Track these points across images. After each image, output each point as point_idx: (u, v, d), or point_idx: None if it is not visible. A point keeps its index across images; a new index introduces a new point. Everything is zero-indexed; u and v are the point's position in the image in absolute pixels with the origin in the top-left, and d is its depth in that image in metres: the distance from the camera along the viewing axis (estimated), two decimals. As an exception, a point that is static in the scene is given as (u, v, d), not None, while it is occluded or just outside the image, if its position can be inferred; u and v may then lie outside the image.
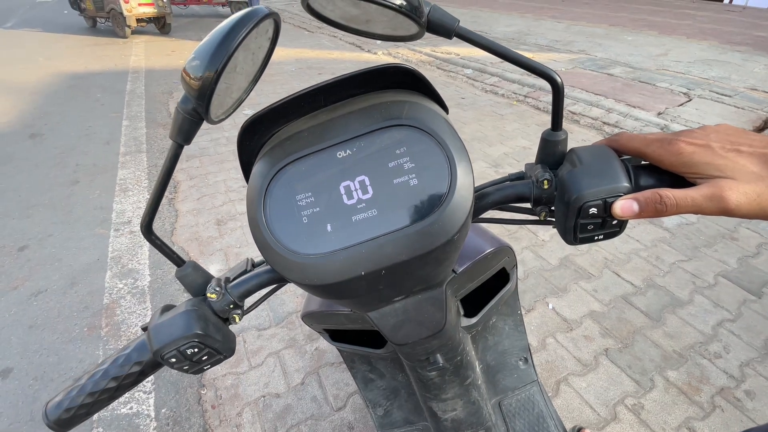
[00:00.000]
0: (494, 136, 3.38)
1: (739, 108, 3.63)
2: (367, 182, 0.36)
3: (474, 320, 0.67)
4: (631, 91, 4.04)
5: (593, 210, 0.36)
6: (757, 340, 1.60)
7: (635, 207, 0.35)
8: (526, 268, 1.99)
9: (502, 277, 0.73)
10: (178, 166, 3.02)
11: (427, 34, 0.37)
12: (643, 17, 8.24)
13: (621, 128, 3.45)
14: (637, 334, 1.64)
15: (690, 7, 9.71)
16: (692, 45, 5.93)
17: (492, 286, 0.71)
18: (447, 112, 0.42)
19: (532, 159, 0.44)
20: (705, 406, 1.38)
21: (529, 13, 8.90)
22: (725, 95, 3.90)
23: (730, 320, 1.68)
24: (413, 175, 0.36)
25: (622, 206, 0.35)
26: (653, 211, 0.35)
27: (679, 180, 0.36)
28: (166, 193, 2.68)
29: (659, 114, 3.53)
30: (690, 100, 3.84)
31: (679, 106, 3.70)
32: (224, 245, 2.21)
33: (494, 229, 2.19)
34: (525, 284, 1.89)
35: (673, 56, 5.32)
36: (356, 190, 0.36)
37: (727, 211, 0.32)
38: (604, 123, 3.53)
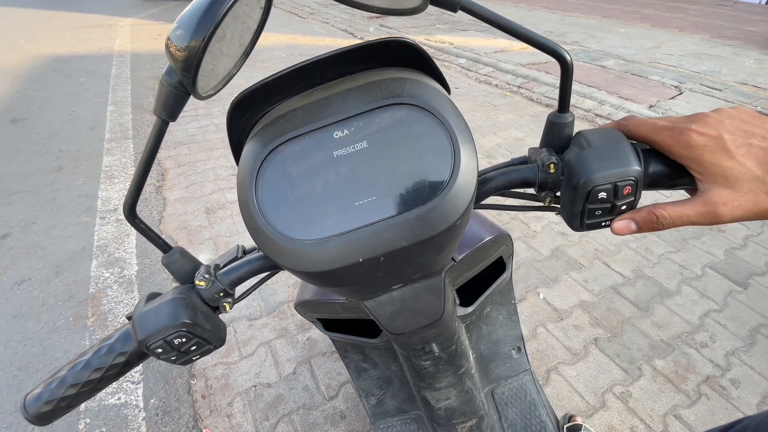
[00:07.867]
0: (487, 126, 3.37)
1: (729, 102, 3.67)
2: None
3: (469, 309, 0.66)
4: (624, 84, 4.05)
5: (602, 194, 0.35)
6: (743, 330, 1.63)
7: (632, 227, 0.37)
8: (517, 258, 2.00)
9: (495, 266, 0.72)
10: (166, 153, 2.95)
11: (423, 14, 0.35)
12: (636, 9, 8.24)
13: (613, 120, 3.46)
14: (626, 323, 1.66)
15: (682, 0, 9.74)
16: (684, 38, 5.96)
17: (486, 275, 0.70)
18: (449, 92, 0.40)
19: (525, 150, 0.42)
20: (691, 394, 1.40)
21: (523, 2, 8.83)
22: (716, 89, 3.93)
23: (716, 310, 1.71)
24: (414, 158, 0.34)
25: (620, 226, 0.37)
26: (650, 230, 0.36)
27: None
28: (154, 181, 2.62)
29: (651, 107, 3.55)
30: (681, 93, 3.87)
31: (670, 99, 3.72)
32: (214, 234, 2.18)
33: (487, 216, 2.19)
34: (516, 274, 1.90)
35: (665, 49, 5.34)
36: None
37: (721, 223, 0.34)
38: (597, 115, 3.53)
